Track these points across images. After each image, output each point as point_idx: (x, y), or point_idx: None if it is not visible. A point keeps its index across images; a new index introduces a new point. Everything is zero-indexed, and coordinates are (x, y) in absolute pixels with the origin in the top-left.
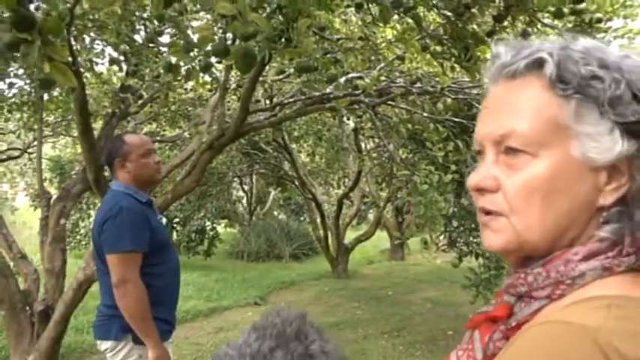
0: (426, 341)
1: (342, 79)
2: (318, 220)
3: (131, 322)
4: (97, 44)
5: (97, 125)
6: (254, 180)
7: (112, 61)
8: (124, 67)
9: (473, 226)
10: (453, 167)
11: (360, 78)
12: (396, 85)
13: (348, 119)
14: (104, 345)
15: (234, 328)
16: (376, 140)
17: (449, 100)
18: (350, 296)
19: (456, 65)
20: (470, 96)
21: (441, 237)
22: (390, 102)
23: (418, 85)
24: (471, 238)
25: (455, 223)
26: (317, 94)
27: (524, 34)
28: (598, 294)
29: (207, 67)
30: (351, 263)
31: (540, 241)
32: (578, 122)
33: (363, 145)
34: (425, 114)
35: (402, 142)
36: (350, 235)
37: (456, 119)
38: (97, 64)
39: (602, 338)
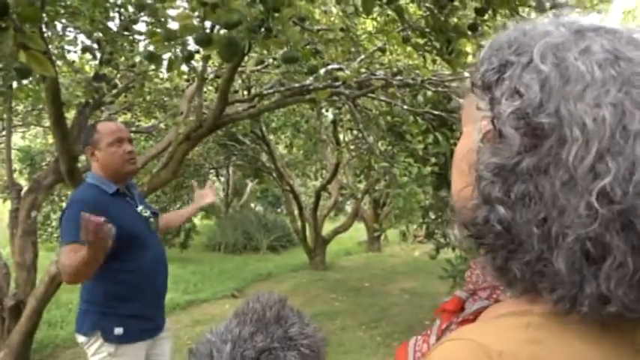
0: (403, 332)
1: (322, 71)
2: (296, 212)
3: (70, 270)
4: (70, 31)
5: (70, 115)
6: (231, 172)
7: (85, 49)
8: (98, 55)
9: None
10: (433, 160)
11: (340, 70)
12: (377, 77)
13: (327, 111)
14: (79, 339)
15: (211, 321)
16: (355, 132)
17: (429, 93)
18: (328, 288)
19: (437, 58)
20: (450, 89)
21: (419, 229)
22: (370, 94)
23: (399, 77)
24: (449, 230)
25: (432, 215)
26: (297, 85)
27: (504, 28)
28: (524, 308)
29: (190, 57)
30: (328, 255)
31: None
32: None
33: (341, 137)
34: (405, 106)
35: (382, 134)
36: (327, 227)
37: (436, 112)
38: (69, 51)
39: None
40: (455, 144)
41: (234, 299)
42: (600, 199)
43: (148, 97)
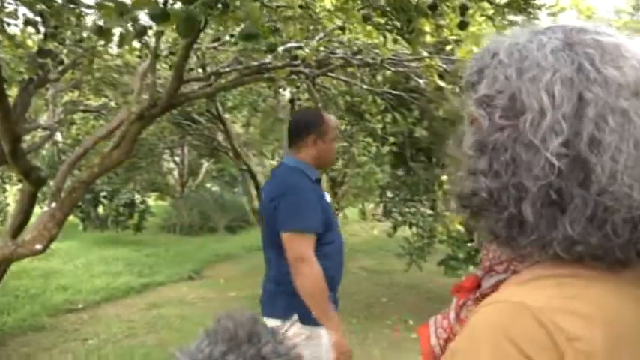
0: (362, 309)
1: (281, 49)
2: (253, 192)
3: (307, 301)
4: (9, 3)
5: (12, 92)
6: (186, 151)
7: (28, 22)
8: (42, 29)
9: (408, 196)
10: (392, 139)
11: (300, 48)
12: (336, 56)
13: (285, 90)
14: (271, 322)
15: (167, 304)
16: None
17: (388, 73)
18: None
19: (397, 37)
20: (409, 69)
21: (376, 207)
22: (329, 73)
23: (359, 56)
24: (406, 209)
25: (390, 194)
26: (255, 63)
27: (463, 8)
28: (549, 272)
29: (142, 32)
30: None
31: None
32: None
33: None
34: (364, 86)
35: (340, 113)
36: None
37: (394, 92)
38: (9, 25)
39: (545, 317)
40: (413, 124)
41: (192, 281)
42: (556, 155)
43: (97, 75)
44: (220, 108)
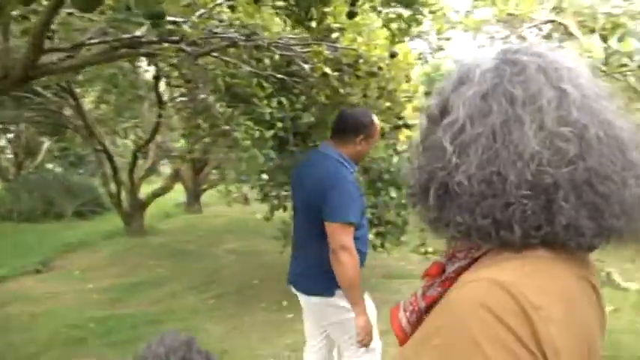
0: (234, 292)
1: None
2: (109, 174)
3: (344, 287)
4: None
5: None
6: (22, 127)
7: None
8: None
9: (283, 179)
10: (280, 124)
11: (175, 23)
12: (221, 35)
13: (149, 65)
14: (312, 300)
15: (15, 302)
16: (183, 90)
17: (276, 57)
18: (149, 254)
19: (295, 23)
20: (295, 53)
21: (239, 189)
22: (213, 53)
23: (253, 38)
24: (283, 192)
25: (266, 177)
26: (127, 36)
27: (353, 3)
28: (514, 255)
29: None
30: (146, 219)
31: None
32: None
33: (167, 95)
34: (249, 68)
35: (218, 95)
36: (144, 190)
37: (278, 75)
38: None
39: (515, 290)
40: (301, 109)
41: (39, 274)
42: (457, 153)
43: None
44: (71, 81)
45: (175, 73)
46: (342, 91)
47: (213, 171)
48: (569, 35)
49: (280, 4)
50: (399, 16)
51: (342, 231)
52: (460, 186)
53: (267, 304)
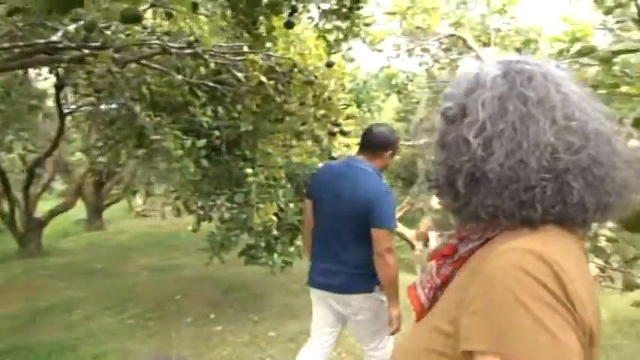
0: (155, 309)
1: (72, 27)
2: None
3: (386, 284)
4: None
5: None
6: None
7: None
8: None
9: (209, 190)
10: (217, 133)
11: (86, 29)
12: (151, 43)
13: (51, 73)
14: (353, 297)
15: None
16: (91, 99)
17: (212, 65)
18: (53, 276)
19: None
20: (230, 61)
21: (141, 202)
22: (143, 61)
23: (177, 45)
24: (209, 202)
25: (192, 188)
26: (42, 41)
27: (292, 9)
28: (530, 231)
29: None
30: (43, 239)
31: None
32: None
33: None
34: (179, 76)
35: (145, 104)
36: (40, 208)
37: (210, 84)
38: None
39: (546, 255)
40: (238, 118)
41: None
42: (482, 146)
43: None
44: None
45: (84, 82)
46: (277, 99)
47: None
48: (468, 48)
49: (229, 12)
50: (337, 28)
51: (388, 236)
52: (491, 173)
53: (193, 318)
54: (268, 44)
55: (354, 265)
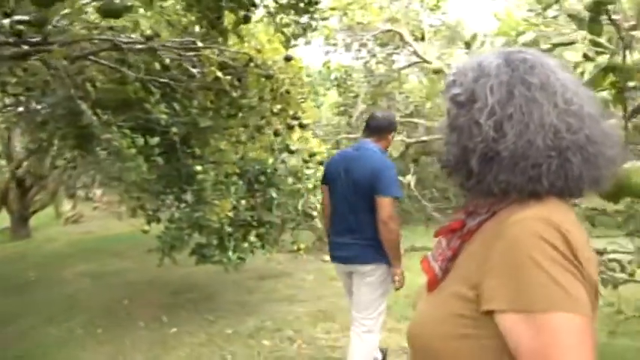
0: (103, 316)
1: (6, 21)
2: None
3: (389, 248)
4: None
5: None
6: None
7: None
8: None
9: (159, 189)
10: (175, 129)
11: (37, 24)
12: (101, 38)
13: None
14: (363, 268)
15: None
16: (22, 98)
17: (167, 60)
18: None
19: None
20: (184, 57)
21: (69, 206)
22: (90, 57)
23: (127, 40)
24: (158, 202)
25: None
26: None
27: (250, 4)
28: (536, 203)
29: None
30: None
31: None
32: None
33: None
34: (129, 72)
35: (90, 103)
36: None
37: (162, 80)
38: None
39: (555, 221)
40: (198, 114)
41: None
42: (493, 128)
43: None
44: None
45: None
46: (234, 94)
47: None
48: (404, 43)
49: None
50: (296, 22)
51: (391, 204)
52: (504, 152)
53: (145, 322)
54: (220, 39)
55: (366, 237)
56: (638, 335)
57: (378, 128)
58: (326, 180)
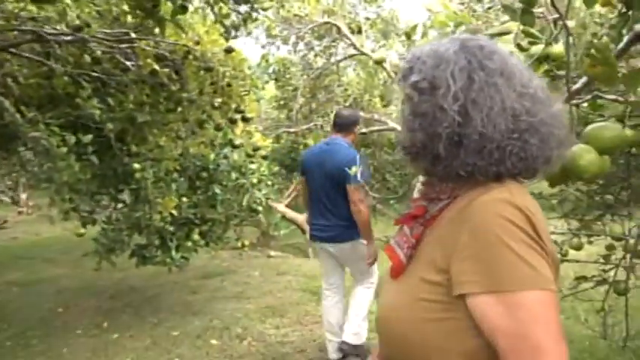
0: (36, 327)
1: None
2: None
3: (361, 227)
4: None
5: None
6: None
7: None
8: None
9: (93, 189)
10: (110, 126)
11: None
12: (20, 29)
13: None
14: (344, 245)
15: None
16: None
17: (99, 52)
18: None
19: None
20: (119, 49)
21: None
22: (11, 49)
23: (51, 30)
24: (93, 203)
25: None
26: None
27: (183, 8)
28: (498, 185)
29: None
30: None
31: None
32: None
33: None
34: (57, 66)
35: (13, 98)
36: None
37: (94, 74)
38: None
39: (519, 202)
40: (134, 109)
41: None
42: (457, 112)
43: None
44: None
45: None
46: (173, 87)
47: None
48: (342, 36)
49: None
50: (236, 12)
51: (358, 190)
52: (473, 135)
53: (83, 329)
54: (156, 30)
55: (342, 218)
56: (572, 312)
57: (345, 125)
58: (303, 171)
